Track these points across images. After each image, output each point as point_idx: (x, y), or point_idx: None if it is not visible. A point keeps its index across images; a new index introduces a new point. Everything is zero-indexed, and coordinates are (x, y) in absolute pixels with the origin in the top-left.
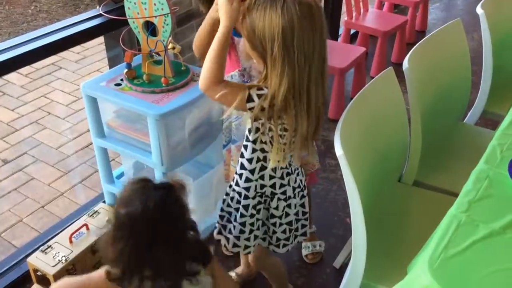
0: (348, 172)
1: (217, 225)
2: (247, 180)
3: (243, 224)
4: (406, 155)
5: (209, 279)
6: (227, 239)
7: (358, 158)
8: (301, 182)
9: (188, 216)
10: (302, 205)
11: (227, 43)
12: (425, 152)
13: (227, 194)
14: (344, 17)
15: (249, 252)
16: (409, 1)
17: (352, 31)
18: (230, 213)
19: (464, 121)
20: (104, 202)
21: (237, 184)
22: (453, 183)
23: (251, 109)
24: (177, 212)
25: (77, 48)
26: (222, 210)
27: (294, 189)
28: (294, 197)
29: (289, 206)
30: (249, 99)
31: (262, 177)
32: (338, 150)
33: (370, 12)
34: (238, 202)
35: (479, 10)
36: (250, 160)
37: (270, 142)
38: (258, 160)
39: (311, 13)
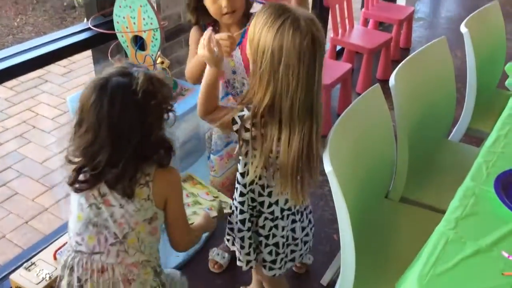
0: (337, 188)
1: (228, 237)
2: (241, 194)
3: (242, 239)
4: (393, 171)
5: (152, 206)
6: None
7: (346, 174)
8: (294, 207)
9: (152, 118)
10: (293, 230)
11: (216, 81)
12: (412, 169)
13: (231, 208)
14: (330, 34)
15: (252, 267)
16: (393, 19)
17: (338, 47)
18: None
19: (449, 138)
20: None
21: (236, 198)
22: (439, 199)
23: (237, 131)
24: (131, 105)
25: (63, 62)
26: (229, 223)
27: (282, 210)
28: (282, 218)
29: (276, 227)
30: (234, 121)
31: (252, 191)
32: (327, 167)
33: (356, 29)
34: (237, 216)
35: (463, 28)
36: (242, 174)
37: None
38: (248, 173)
39: (301, 46)
